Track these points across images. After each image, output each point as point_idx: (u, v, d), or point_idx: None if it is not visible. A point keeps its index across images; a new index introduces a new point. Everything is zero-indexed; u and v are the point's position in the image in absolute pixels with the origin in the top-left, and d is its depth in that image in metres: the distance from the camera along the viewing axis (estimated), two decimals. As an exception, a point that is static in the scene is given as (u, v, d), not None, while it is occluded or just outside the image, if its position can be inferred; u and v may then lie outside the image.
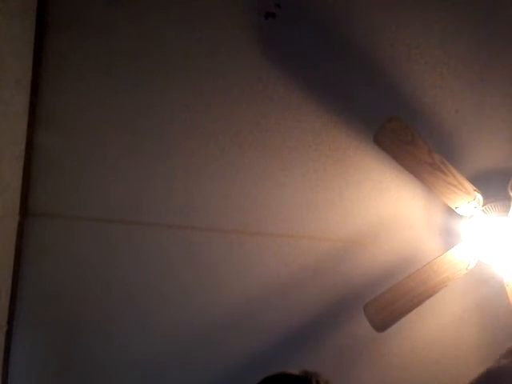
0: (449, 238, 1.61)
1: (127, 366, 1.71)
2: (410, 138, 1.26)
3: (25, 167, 1.53)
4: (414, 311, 1.44)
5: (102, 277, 1.65)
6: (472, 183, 1.36)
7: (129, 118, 1.56)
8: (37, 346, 1.67)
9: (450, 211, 1.46)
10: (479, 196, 1.37)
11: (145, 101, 1.55)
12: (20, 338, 1.65)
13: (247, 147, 1.58)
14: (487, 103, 1.55)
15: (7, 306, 1.59)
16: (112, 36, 1.52)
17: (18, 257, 1.58)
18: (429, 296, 1.42)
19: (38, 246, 1.60)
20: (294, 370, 0.96)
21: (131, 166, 1.58)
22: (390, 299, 1.42)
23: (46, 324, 1.67)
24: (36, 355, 1.68)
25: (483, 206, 1.42)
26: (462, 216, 1.46)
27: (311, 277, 1.66)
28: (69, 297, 1.65)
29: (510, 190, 1.34)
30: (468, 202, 1.36)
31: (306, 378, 0.93)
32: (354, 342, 1.72)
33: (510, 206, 1.32)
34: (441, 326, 1.74)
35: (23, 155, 1.53)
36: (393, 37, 1.51)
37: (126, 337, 1.69)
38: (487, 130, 1.57)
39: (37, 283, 1.63)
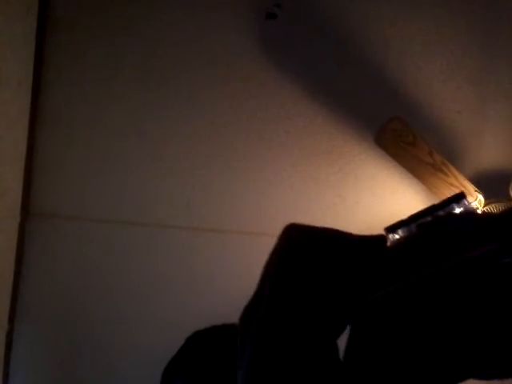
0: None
1: (129, 365, 1.71)
2: (411, 138, 1.26)
3: (26, 168, 1.54)
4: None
5: (103, 277, 1.65)
6: (473, 184, 1.36)
7: (131, 119, 1.56)
8: (38, 346, 1.67)
9: (451, 212, 1.46)
10: (480, 196, 1.37)
11: (147, 102, 1.55)
12: (21, 338, 1.65)
13: (251, 149, 1.58)
14: (489, 104, 1.55)
15: (8, 307, 1.59)
16: (113, 38, 1.52)
17: (19, 257, 1.58)
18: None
19: (39, 246, 1.60)
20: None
21: (132, 167, 1.58)
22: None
23: (47, 324, 1.67)
24: (37, 355, 1.68)
25: (484, 206, 1.42)
26: (463, 216, 1.46)
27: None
28: (70, 297, 1.65)
29: (511, 191, 1.34)
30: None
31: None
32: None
33: (511, 207, 1.32)
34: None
35: (24, 156, 1.53)
36: (395, 38, 1.51)
37: (127, 337, 1.69)
38: (488, 130, 1.57)
39: (38, 284, 1.63)
